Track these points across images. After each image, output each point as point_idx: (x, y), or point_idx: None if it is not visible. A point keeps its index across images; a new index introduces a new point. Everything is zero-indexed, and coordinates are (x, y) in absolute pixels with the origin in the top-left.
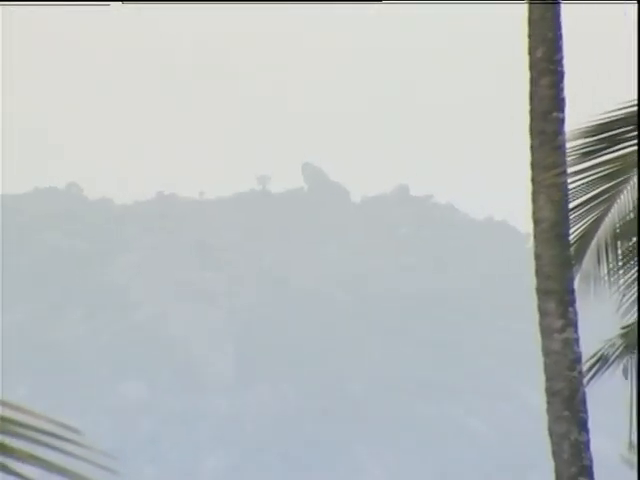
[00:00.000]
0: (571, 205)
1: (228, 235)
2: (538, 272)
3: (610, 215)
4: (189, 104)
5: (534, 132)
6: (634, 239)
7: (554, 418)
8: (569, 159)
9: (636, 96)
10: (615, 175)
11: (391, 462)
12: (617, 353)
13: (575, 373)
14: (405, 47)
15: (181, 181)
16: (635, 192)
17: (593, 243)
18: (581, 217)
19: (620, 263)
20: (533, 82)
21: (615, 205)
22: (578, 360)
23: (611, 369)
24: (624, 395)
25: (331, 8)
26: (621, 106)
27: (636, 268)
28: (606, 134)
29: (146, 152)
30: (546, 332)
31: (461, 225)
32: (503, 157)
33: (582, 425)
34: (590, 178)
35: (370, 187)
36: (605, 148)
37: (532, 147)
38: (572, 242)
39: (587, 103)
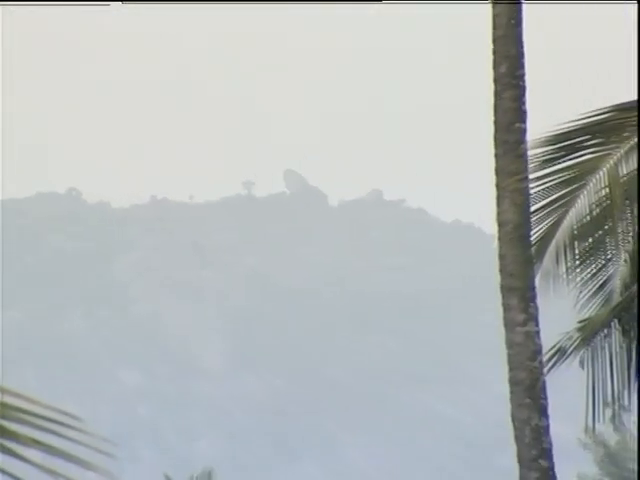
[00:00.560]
0: (532, 208)
1: (218, 236)
2: (502, 270)
3: (568, 218)
4: (181, 110)
5: (498, 141)
6: (590, 240)
7: (516, 405)
8: (531, 166)
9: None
10: (573, 181)
11: (370, 445)
12: (574, 345)
13: (536, 363)
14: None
15: (172, 185)
16: (592, 196)
17: (552, 244)
18: (542, 219)
19: (577, 262)
20: (497, 95)
21: (573, 208)
22: (539, 351)
23: (569, 360)
24: (581, 384)
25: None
26: (578, 117)
27: (593, 266)
28: (564, 143)
29: (140, 156)
30: (509, 326)
31: (431, 227)
32: (470, 164)
33: (542, 411)
34: (550, 184)
35: (347, 192)
36: (564, 156)
37: (496, 155)
38: (533, 243)
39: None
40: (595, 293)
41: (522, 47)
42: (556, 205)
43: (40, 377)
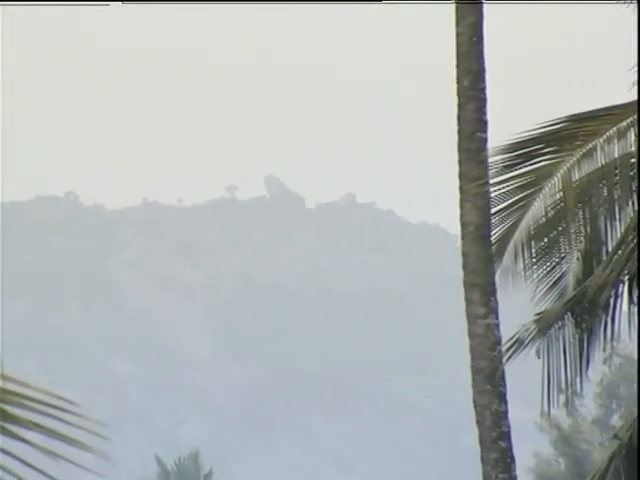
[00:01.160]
0: (493, 211)
1: (205, 237)
2: (465, 267)
3: (525, 219)
4: (177, 114)
5: (461, 149)
6: (546, 239)
7: (478, 392)
8: (491, 172)
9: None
10: (529, 185)
11: (343, 428)
12: (531, 336)
13: (496, 353)
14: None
15: (162, 189)
16: (547, 200)
17: (511, 243)
18: (501, 221)
19: (534, 260)
20: (460, 107)
21: (530, 211)
22: (498, 342)
23: (526, 350)
24: (537, 372)
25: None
26: (535, 127)
27: (548, 263)
28: (522, 151)
29: (133, 161)
30: (471, 318)
31: (400, 228)
32: (436, 170)
33: (501, 397)
34: (509, 188)
35: (323, 195)
36: (521, 163)
37: (460, 162)
38: (494, 242)
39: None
40: (550, 288)
41: (483, 63)
42: (514, 208)
43: (40, 366)
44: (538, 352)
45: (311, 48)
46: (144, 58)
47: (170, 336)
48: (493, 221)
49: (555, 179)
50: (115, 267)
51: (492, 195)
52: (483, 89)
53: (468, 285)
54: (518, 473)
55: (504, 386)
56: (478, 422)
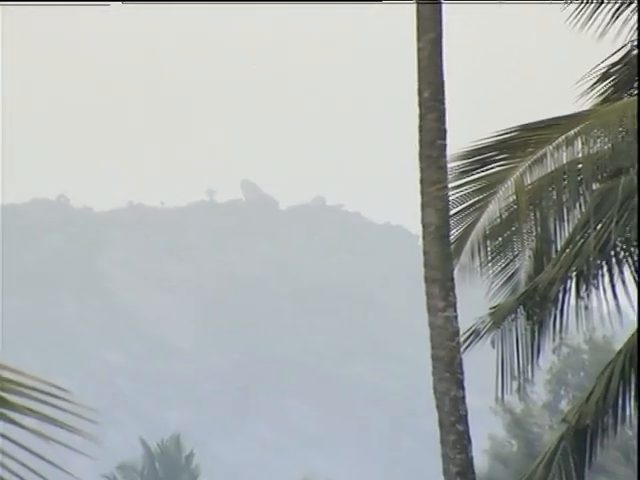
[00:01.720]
0: (451, 212)
1: (188, 237)
2: (426, 264)
3: (481, 220)
4: (154, 122)
5: (423, 156)
6: (500, 239)
7: (437, 379)
8: (450, 177)
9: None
10: (485, 189)
11: (313, 410)
12: (487, 328)
13: (454, 343)
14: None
15: (145, 192)
16: (501, 202)
17: (468, 242)
18: (459, 222)
19: (489, 258)
20: (422, 117)
21: (485, 213)
22: (456, 333)
23: (482, 340)
24: (492, 360)
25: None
26: (490, 135)
27: (502, 261)
28: (478, 157)
29: (116, 166)
30: (432, 311)
31: (366, 228)
32: (399, 175)
33: (459, 384)
34: (466, 192)
35: (295, 198)
36: (478, 168)
37: (421, 168)
38: (452, 241)
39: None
40: (504, 284)
41: (442, 76)
42: (471, 210)
43: (36, 356)
44: (493, 342)
45: (276, 56)
46: (144, 58)
47: (156, 328)
48: (452, 222)
49: (508, 183)
50: (106, 265)
51: (451, 198)
52: (443, 100)
53: (429, 280)
54: (474, 454)
55: (462, 374)
56: (438, 407)
